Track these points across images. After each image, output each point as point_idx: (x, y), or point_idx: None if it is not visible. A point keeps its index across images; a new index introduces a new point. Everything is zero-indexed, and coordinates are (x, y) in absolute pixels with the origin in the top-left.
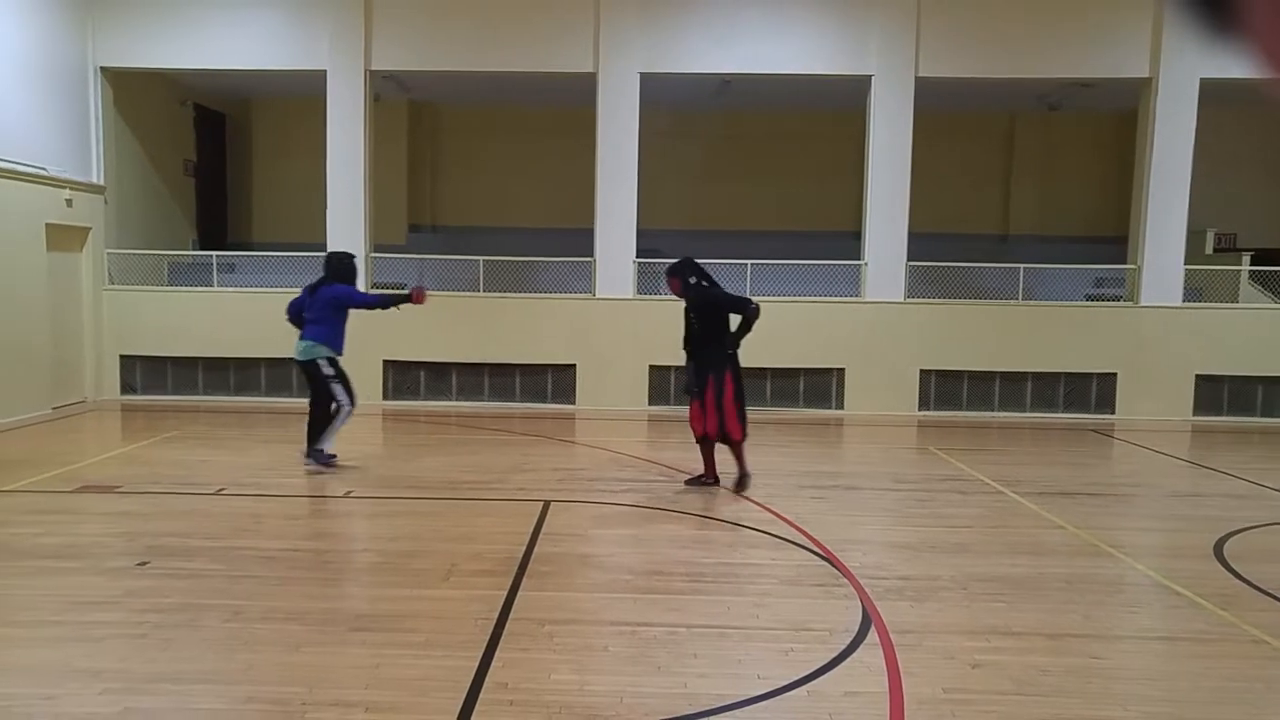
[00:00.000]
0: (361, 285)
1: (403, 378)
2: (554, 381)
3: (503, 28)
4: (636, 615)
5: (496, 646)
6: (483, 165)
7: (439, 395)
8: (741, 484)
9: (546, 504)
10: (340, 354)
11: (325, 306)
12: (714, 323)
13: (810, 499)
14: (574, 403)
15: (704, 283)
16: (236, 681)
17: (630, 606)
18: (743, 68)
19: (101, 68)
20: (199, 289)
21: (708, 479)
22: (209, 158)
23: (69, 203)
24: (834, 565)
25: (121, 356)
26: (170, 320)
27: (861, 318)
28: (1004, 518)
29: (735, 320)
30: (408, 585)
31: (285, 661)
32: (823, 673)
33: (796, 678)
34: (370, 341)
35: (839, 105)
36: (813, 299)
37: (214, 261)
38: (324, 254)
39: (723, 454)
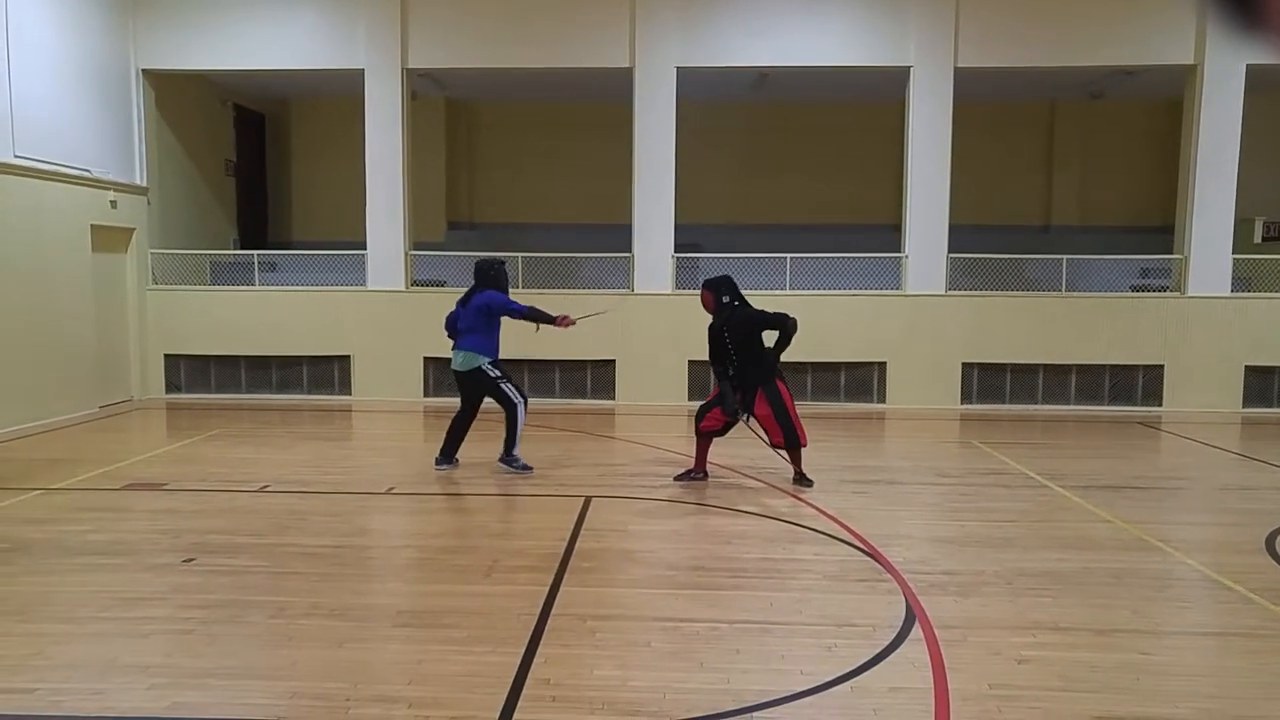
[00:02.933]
0: (401, 284)
1: (443, 375)
2: (593, 377)
3: (539, 24)
4: (679, 611)
5: (539, 642)
6: (520, 162)
7: None
8: (802, 481)
9: (587, 499)
10: (497, 358)
11: (478, 314)
12: (754, 342)
13: (853, 493)
14: (613, 398)
15: (735, 302)
16: (281, 677)
17: (672, 602)
18: (780, 60)
19: (143, 70)
20: (241, 288)
21: (696, 473)
22: (249, 158)
23: (113, 204)
24: (877, 560)
25: (166, 356)
26: (213, 319)
27: (903, 311)
28: (1049, 512)
29: (771, 336)
30: (450, 581)
31: (329, 657)
32: (867, 669)
33: (840, 674)
34: (411, 339)
35: (878, 97)
36: (854, 292)
37: (255, 261)
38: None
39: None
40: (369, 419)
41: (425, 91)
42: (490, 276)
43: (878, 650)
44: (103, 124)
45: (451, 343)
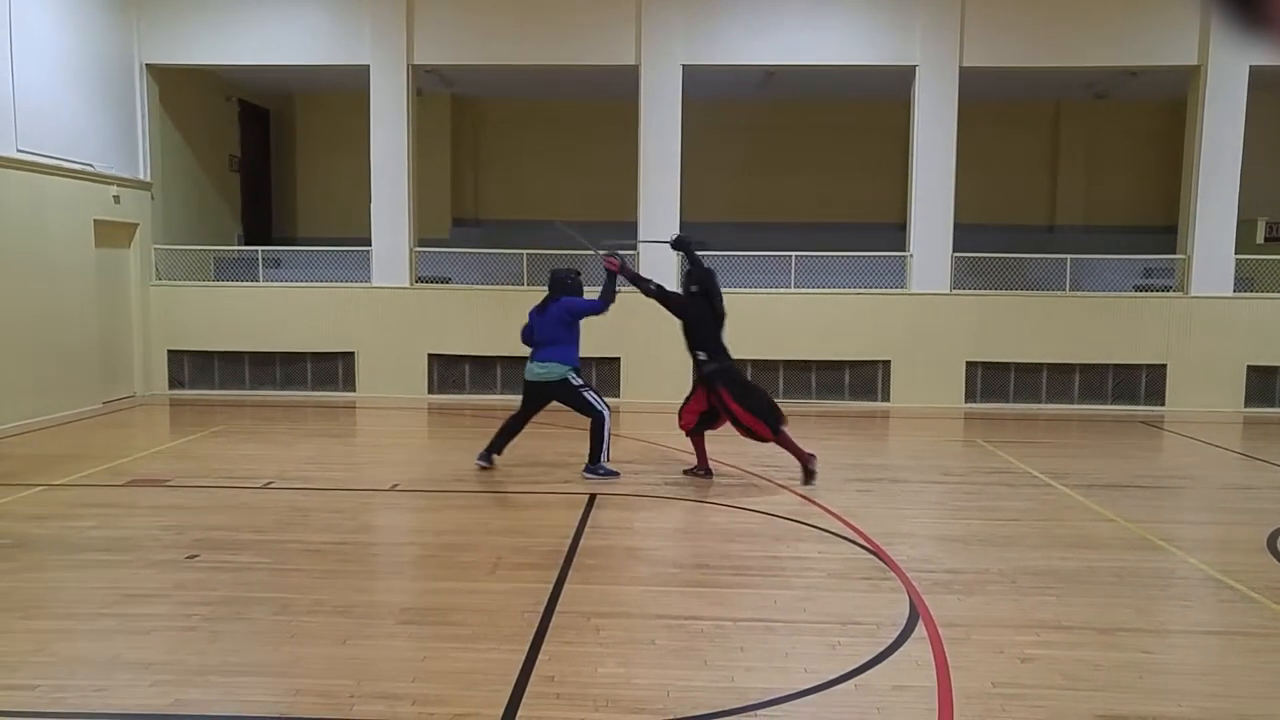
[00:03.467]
0: (405, 280)
1: (448, 371)
2: (598, 374)
3: (544, 21)
4: (683, 609)
5: (543, 640)
6: (525, 159)
7: (483, 389)
8: (807, 474)
9: (592, 497)
10: (579, 367)
11: (557, 324)
12: (694, 329)
13: (856, 492)
14: (619, 395)
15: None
16: (284, 674)
17: (677, 600)
18: (786, 59)
19: (147, 65)
20: (245, 284)
21: (700, 470)
22: (253, 153)
23: (116, 199)
24: (881, 558)
25: (169, 351)
26: (217, 315)
27: (907, 310)
28: (1053, 511)
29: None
30: (454, 578)
31: (333, 654)
32: (870, 667)
33: (844, 672)
34: (416, 335)
35: (883, 96)
36: (858, 291)
37: (259, 256)
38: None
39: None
40: (373, 416)
41: (431, 88)
42: (567, 285)
43: (881, 648)
44: (106, 118)
45: (529, 351)
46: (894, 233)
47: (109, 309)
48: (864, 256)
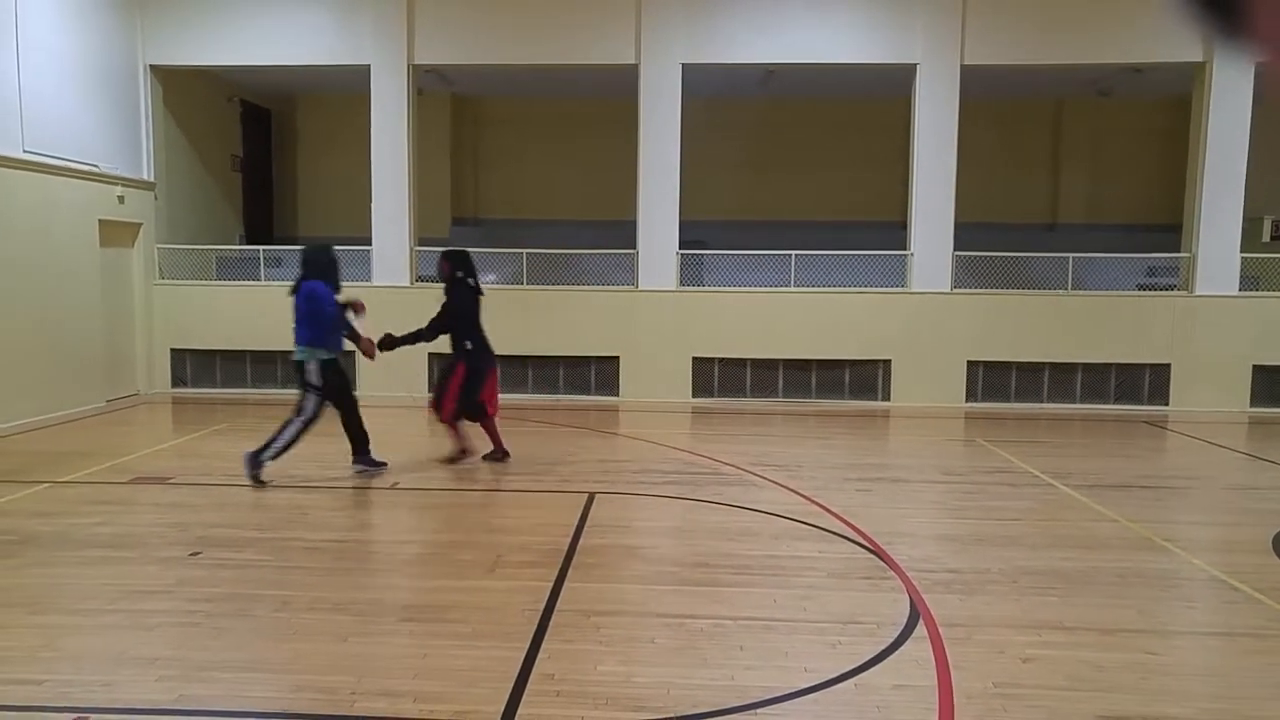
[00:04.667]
0: (406, 280)
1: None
2: (597, 373)
3: (544, 20)
4: (683, 607)
5: (543, 638)
6: (525, 158)
7: None
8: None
9: (591, 496)
10: (328, 356)
11: (301, 305)
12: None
13: (856, 491)
14: (618, 395)
15: (470, 280)
16: (286, 670)
17: (676, 598)
18: (786, 57)
19: (151, 66)
20: (246, 283)
21: (497, 454)
22: (255, 153)
23: (121, 199)
24: (881, 558)
25: (172, 350)
26: (219, 314)
27: (908, 309)
28: (1054, 510)
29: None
30: (454, 576)
31: (333, 651)
32: (870, 666)
33: (844, 671)
34: None
35: (884, 94)
36: (858, 290)
37: (260, 256)
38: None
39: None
40: (372, 415)
41: (431, 87)
42: (317, 265)
43: (882, 648)
44: (111, 119)
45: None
46: (895, 231)
47: (113, 308)
48: (864, 255)
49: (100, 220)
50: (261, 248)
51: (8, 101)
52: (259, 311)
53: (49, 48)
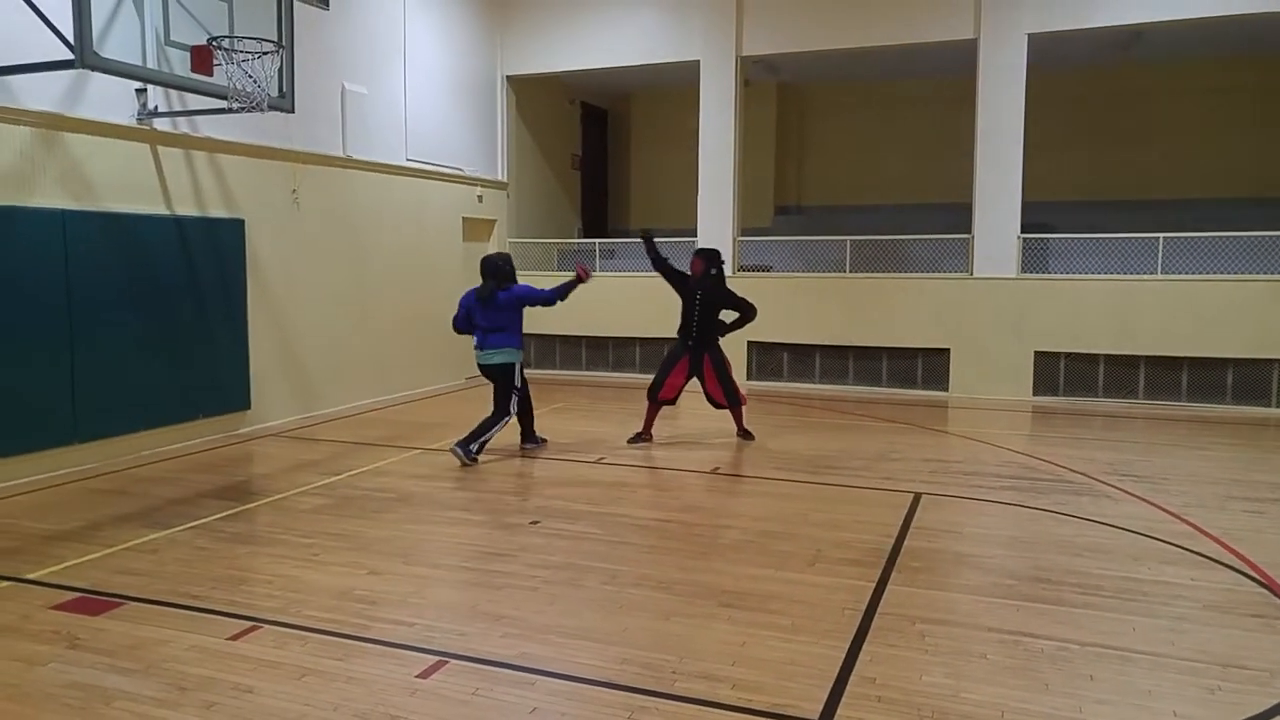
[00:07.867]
0: (728, 269)
1: (766, 358)
2: (924, 366)
3: (875, 1)
4: (1019, 624)
5: (864, 639)
6: (849, 142)
7: (801, 377)
8: (746, 436)
9: (917, 496)
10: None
11: (510, 311)
12: (717, 312)
13: (1243, 512)
14: (946, 390)
15: (715, 273)
16: (613, 642)
17: (1012, 614)
18: (1156, 15)
19: (507, 76)
20: None
21: (644, 436)
22: (592, 151)
23: (480, 199)
24: (1275, 593)
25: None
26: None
27: None
28: None
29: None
30: (773, 566)
31: (656, 629)
32: None
33: None
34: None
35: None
36: (1245, 278)
37: (596, 248)
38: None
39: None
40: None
41: (758, 77)
42: (505, 272)
43: (1275, 701)
44: (473, 127)
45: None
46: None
47: None
48: (1248, 236)
49: (464, 218)
50: (598, 240)
51: (396, 118)
52: (593, 300)
53: (428, 69)
